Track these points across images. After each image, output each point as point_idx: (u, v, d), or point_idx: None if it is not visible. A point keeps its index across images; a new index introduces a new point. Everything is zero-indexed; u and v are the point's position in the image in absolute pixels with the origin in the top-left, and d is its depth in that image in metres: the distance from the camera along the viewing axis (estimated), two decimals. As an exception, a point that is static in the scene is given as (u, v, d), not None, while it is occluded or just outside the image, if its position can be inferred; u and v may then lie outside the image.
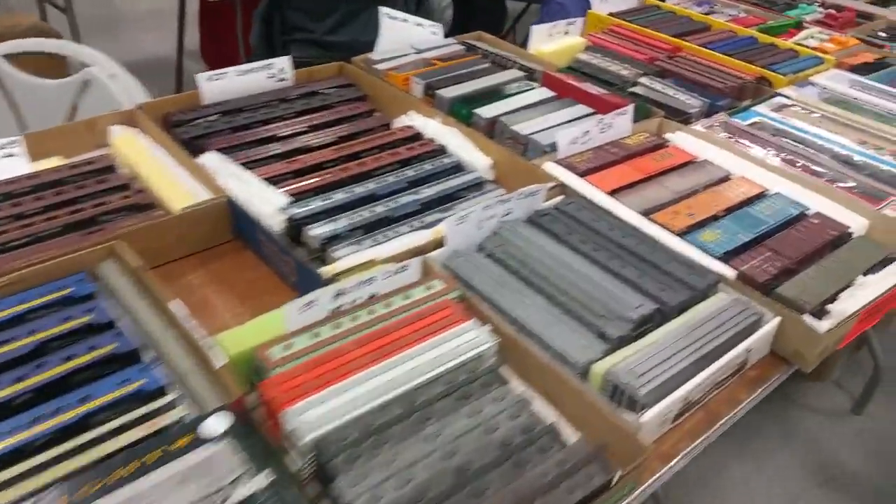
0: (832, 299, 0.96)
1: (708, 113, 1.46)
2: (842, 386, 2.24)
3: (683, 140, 1.31)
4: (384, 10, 1.54)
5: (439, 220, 1.04)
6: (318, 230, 1.02)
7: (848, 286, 0.99)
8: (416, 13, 2.72)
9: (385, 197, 1.11)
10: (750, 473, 1.92)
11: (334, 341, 0.80)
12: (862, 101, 1.55)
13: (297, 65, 2.65)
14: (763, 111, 1.47)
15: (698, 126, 1.36)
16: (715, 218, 1.10)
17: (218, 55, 3.77)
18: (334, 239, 1.02)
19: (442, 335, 0.83)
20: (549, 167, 1.19)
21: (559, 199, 1.12)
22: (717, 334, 0.88)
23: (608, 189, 1.15)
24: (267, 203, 1.03)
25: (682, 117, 1.41)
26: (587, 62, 1.62)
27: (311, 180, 1.13)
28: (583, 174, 1.18)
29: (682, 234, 1.06)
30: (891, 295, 0.99)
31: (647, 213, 1.10)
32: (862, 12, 2.21)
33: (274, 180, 1.12)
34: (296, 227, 1.04)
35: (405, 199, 1.11)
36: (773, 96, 1.55)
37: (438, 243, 1.00)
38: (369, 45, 1.59)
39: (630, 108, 1.30)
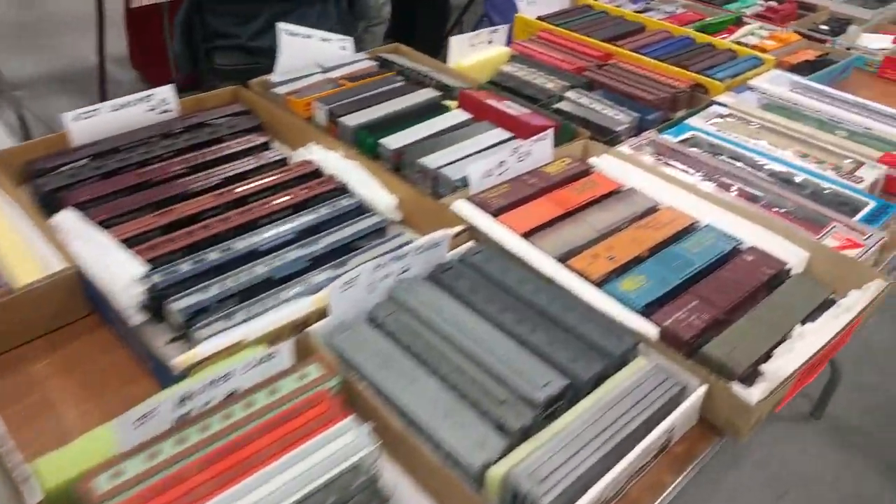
0: (766, 356, 0.85)
1: (639, 128, 1.35)
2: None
3: (609, 165, 1.19)
4: (282, 26, 1.40)
5: (332, 279, 0.91)
6: (182, 302, 0.89)
7: (784, 339, 0.88)
8: (349, 12, 2.58)
9: (268, 253, 0.98)
10: (708, 495, 1.83)
11: (177, 461, 0.67)
12: (803, 107, 1.45)
13: (223, 74, 2.50)
14: (697, 124, 1.36)
15: (626, 147, 1.24)
16: (638, 260, 0.99)
17: (148, 62, 3.59)
18: (201, 313, 0.88)
19: (312, 441, 0.70)
20: (459, 206, 1.07)
21: (467, 246, 0.99)
22: (635, 414, 0.77)
23: (523, 230, 1.03)
24: (121, 272, 0.89)
25: (610, 136, 1.29)
26: (511, 75, 1.49)
27: (183, 237, 1.00)
28: (496, 212, 1.06)
29: (601, 282, 0.94)
30: (832, 346, 0.88)
31: (564, 258, 0.98)
32: (804, 3, 2.11)
33: (140, 238, 0.99)
34: (157, 300, 0.90)
35: (292, 254, 0.98)
36: (709, 105, 1.44)
37: (323, 313, 0.87)
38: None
39: (549, 133, 1.18)
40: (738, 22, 1.91)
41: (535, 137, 1.16)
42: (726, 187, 1.16)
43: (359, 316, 0.88)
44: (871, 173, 1.23)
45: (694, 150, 1.25)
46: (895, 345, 2.38)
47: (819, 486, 1.92)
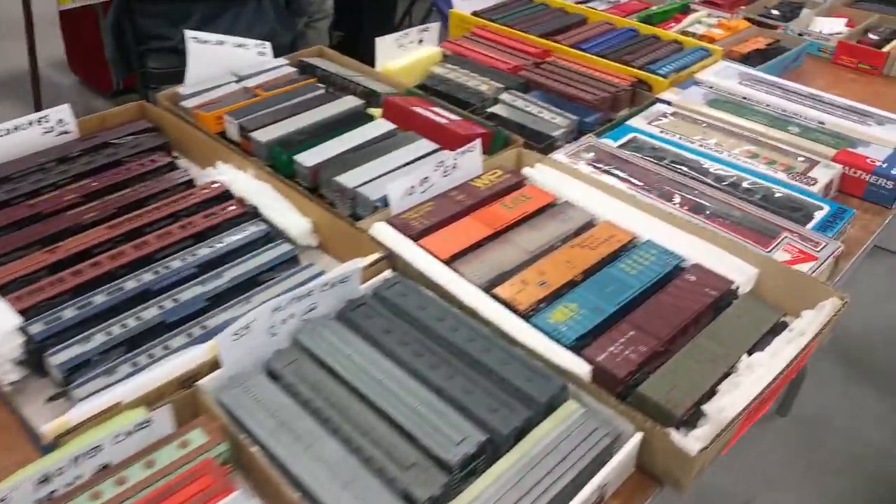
0: (710, 393, 0.77)
1: (578, 132, 1.26)
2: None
3: (543, 176, 1.10)
4: (189, 34, 1.29)
5: (234, 320, 0.81)
6: (62, 356, 0.79)
7: (730, 372, 0.80)
8: (287, 7, 2.46)
9: (161, 293, 0.88)
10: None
11: (22, 564, 0.57)
12: (752, 101, 1.37)
13: (157, 78, 2.38)
14: (639, 125, 1.27)
15: (562, 154, 1.16)
16: (572, 284, 0.90)
17: (86, 65, 3.44)
18: (82, 367, 0.78)
19: (188, 527, 0.61)
20: (378, 230, 0.98)
21: (383, 277, 0.90)
22: (563, 471, 0.69)
23: (447, 255, 0.94)
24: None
25: (546, 142, 1.21)
26: (443, 77, 1.40)
27: (70, 277, 0.89)
28: (418, 235, 0.97)
29: (530, 313, 0.85)
30: (785, 375, 0.80)
31: (492, 285, 0.89)
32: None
33: (25, 280, 0.88)
34: (37, 353, 0.80)
35: (189, 293, 0.89)
36: (652, 103, 1.35)
37: (216, 363, 0.77)
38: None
39: (477, 144, 1.09)
40: (686, 10, 1.83)
41: (461, 149, 1.07)
42: (669, 196, 1.08)
43: (256, 365, 0.79)
44: (825, 174, 1.15)
45: (635, 155, 1.17)
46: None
47: (789, 484, 1.86)
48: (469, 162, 1.08)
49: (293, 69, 1.37)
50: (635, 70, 1.42)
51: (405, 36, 1.47)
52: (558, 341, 0.81)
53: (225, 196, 1.06)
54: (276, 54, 1.39)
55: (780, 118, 1.31)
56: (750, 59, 1.59)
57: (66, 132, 1.17)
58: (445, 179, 1.06)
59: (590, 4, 1.83)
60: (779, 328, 0.86)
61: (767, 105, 1.36)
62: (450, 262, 0.93)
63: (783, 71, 1.63)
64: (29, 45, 2.76)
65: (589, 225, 1.01)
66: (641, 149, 1.21)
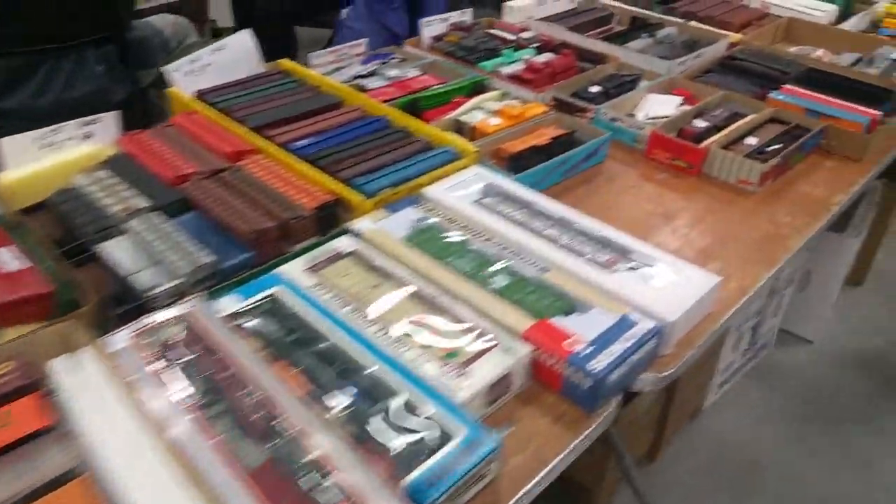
0: None
1: (223, 278, 0.93)
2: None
3: (77, 376, 0.76)
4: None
5: None
6: None
7: None
8: (121, 60, 2.11)
9: None
10: None
11: None
12: (476, 230, 1.04)
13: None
14: (293, 275, 0.94)
15: (125, 335, 0.82)
16: None
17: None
18: None
19: None
20: None
21: None
22: None
23: None
24: None
25: (133, 304, 0.87)
26: (79, 193, 1.07)
27: None
28: None
29: None
30: None
31: None
32: (592, 53, 1.71)
33: None
34: None
35: None
36: (337, 236, 1.02)
37: None
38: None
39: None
40: (481, 88, 1.50)
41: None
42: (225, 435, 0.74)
43: None
44: (497, 364, 0.81)
45: (237, 340, 0.83)
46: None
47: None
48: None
49: None
50: (336, 184, 1.09)
51: (55, 132, 1.14)
52: None
53: None
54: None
55: (493, 259, 0.98)
56: (523, 159, 1.26)
57: None
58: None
59: (369, 79, 1.51)
60: None
61: (489, 239, 1.02)
62: None
63: (570, 172, 1.30)
64: None
65: (65, 478, 0.67)
66: (275, 315, 0.88)
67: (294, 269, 0.95)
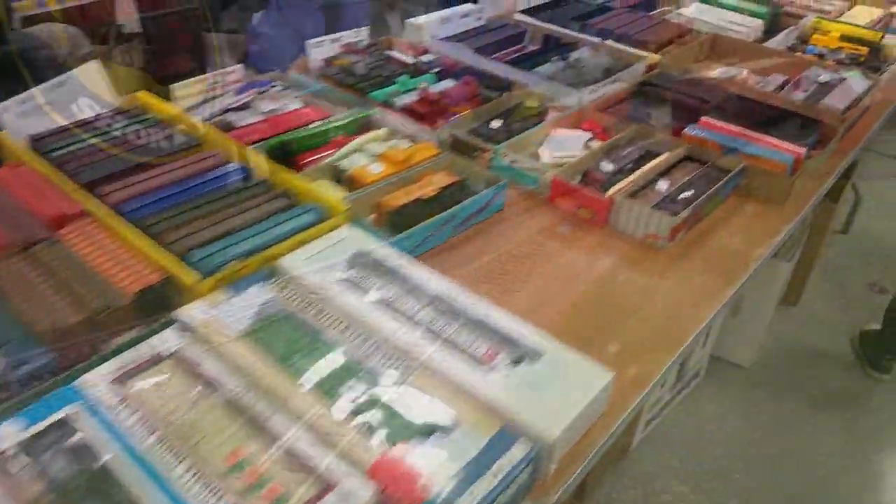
0: None
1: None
2: None
3: None
4: None
5: None
6: None
7: None
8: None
9: None
10: None
11: None
12: (335, 314, 0.87)
13: None
14: (96, 387, 0.76)
15: None
16: None
17: None
18: None
19: None
20: None
21: None
22: None
23: None
24: None
25: None
26: None
27: None
28: None
29: None
30: None
31: None
32: (497, 80, 1.55)
33: None
34: None
35: None
36: (163, 327, 0.84)
37: None
38: None
39: None
40: (366, 125, 1.33)
41: None
42: None
43: None
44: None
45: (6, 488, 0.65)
46: None
47: None
48: None
49: None
50: (167, 260, 0.92)
51: None
52: None
53: None
54: None
55: (350, 363, 0.81)
56: (405, 214, 1.10)
57: None
58: None
59: (236, 115, 1.33)
60: None
61: (347, 327, 0.86)
62: None
63: (461, 228, 1.15)
64: None
65: None
66: (62, 448, 0.70)
67: (98, 379, 0.77)
